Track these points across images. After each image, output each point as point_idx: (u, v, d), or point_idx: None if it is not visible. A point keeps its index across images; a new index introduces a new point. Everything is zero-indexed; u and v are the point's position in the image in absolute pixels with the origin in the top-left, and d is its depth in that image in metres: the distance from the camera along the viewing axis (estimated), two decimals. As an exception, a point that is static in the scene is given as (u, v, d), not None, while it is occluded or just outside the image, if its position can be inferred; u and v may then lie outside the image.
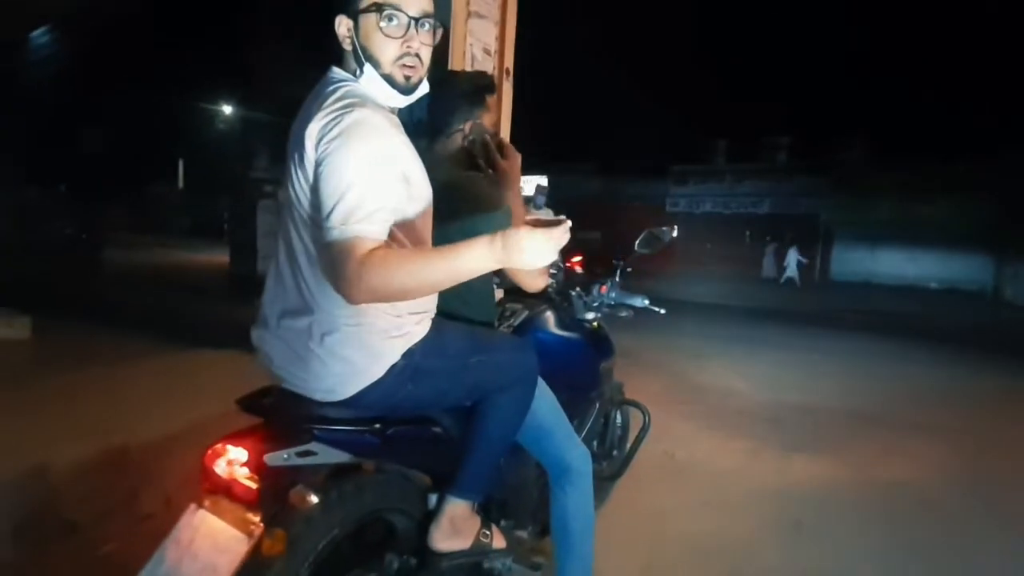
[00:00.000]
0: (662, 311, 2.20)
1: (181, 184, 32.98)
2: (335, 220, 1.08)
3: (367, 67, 1.23)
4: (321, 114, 1.16)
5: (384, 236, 1.12)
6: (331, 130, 1.13)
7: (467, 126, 1.61)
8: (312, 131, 1.15)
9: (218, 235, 21.11)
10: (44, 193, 14.52)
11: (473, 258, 1.09)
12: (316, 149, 1.14)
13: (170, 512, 2.47)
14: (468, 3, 3.60)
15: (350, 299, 1.09)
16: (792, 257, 19.17)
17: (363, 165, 1.11)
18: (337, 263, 1.08)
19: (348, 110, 1.15)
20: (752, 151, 21.94)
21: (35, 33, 13.06)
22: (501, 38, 3.85)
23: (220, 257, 11.74)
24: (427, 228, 1.33)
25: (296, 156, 1.19)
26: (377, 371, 1.25)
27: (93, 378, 3.62)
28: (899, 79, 22.01)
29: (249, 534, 1.16)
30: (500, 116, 3.78)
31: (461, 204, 1.49)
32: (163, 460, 2.78)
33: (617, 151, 23.82)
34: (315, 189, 1.15)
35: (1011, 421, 4.74)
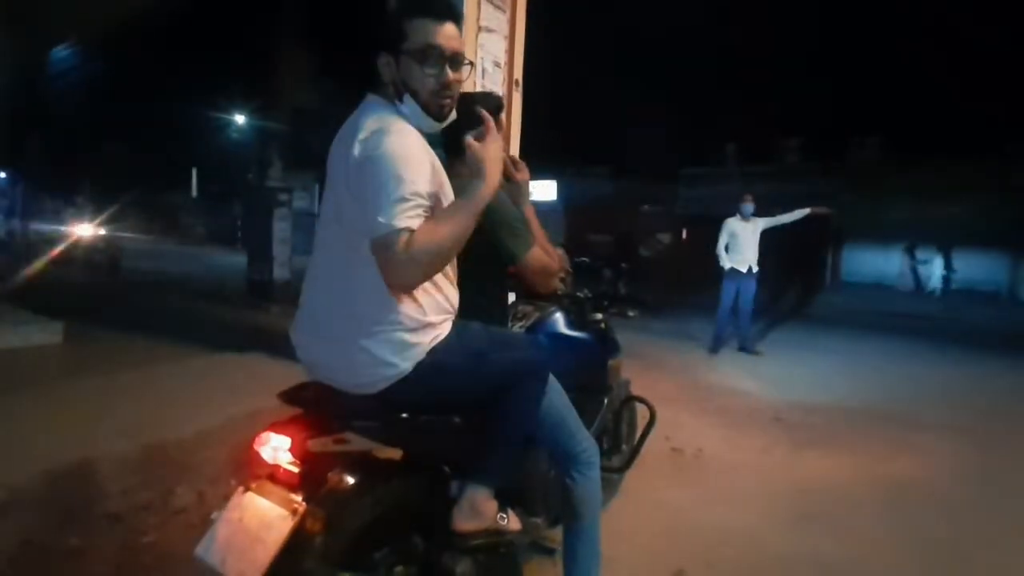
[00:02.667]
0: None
1: (195, 193, 33.45)
2: (386, 215, 1.24)
3: (407, 97, 1.41)
4: (364, 132, 1.33)
5: None
6: (375, 142, 1.30)
7: None
8: (357, 147, 1.31)
9: (231, 241, 21.43)
10: (64, 204, 14.87)
11: (474, 194, 1.36)
12: (361, 161, 1.30)
13: (203, 506, 2.67)
14: (478, 18, 3.75)
15: (407, 280, 1.28)
16: (937, 267, 17.52)
17: (404, 168, 1.28)
18: (391, 252, 1.24)
19: (390, 127, 1.34)
20: (763, 153, 21.91)
21: (55, 49, 13.42)
22: (510, 51, 4.00)
23: (234, 262, 11.96)
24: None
25: (341, 171, 1.36)
26: (405, 367, 1.39)
27: (126, 380, 3.79)
28: (911, 78, 21.85)
29: (293, 512, 1.30)
30: (510, 126, 3.92)
31: (486, 213, 1.64)
32: (195, 457, 2.94)
33: (630, 155, 23.89)
34: (358, 197, 1.30)
35: (1022, 420, 4.76)
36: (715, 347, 6.94)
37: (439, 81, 1.40)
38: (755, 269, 6.85)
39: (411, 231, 1.25)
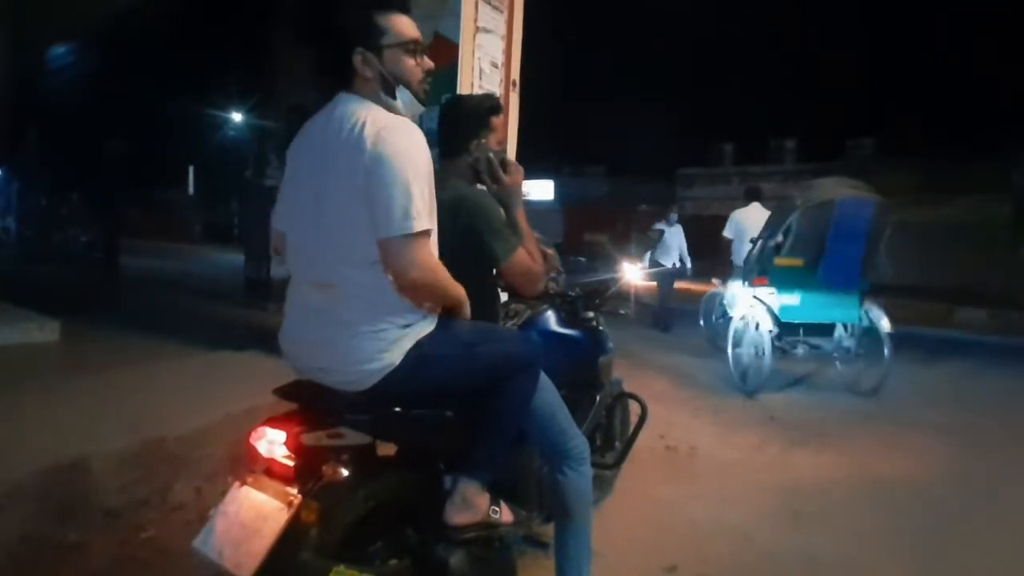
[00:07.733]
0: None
1: (191, 190, 33.40)
2: (402, 216, 1.32)
3: (400, 89, 1.48)
4: (369, 131, 1.35)
5: None
6: (384, 140, 1.34)
7: (473, 146, 1.79)
8: (366, 146, 1.34)
9: (228, 240, 21.45)
10: (58, 202, 14.83)
11: (458, 300, 1.52)
12: (371, 163, 1.33)
13: (201, 502, 2.69)
14: (476, 19, 3.78)
15: (419, 279, 1.37)
16: None
17: (416, 171, 1.35)
18: (409, 251, 1.34)
19: (392, 123, 1.38)
20: (760, 154, 21.94)
21: (52, 46, 13.37)
22: (508, 51, 4.03)
23: (231, 260, 11.95)
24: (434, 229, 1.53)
25: (340, 174, 1.37)
26: (393, 360, 1.42)
27: (123, 377, 3.79)
28: (907, 79, 21.97)
29: (289, 505, 1.34)
30: (507, 126, 3.95)
31: (469, 215, 1.69)
32: (193, 454, 2.96)
33: (627, 155, 23.96)
34: (368, 200, 1.34)
35: (1013, 420, 4.77)
36: (663, 327, 8.27)
37: (423, 69, 1.51)
38: (678, 265, 8.52)
39: (428, 233, 1.37)
